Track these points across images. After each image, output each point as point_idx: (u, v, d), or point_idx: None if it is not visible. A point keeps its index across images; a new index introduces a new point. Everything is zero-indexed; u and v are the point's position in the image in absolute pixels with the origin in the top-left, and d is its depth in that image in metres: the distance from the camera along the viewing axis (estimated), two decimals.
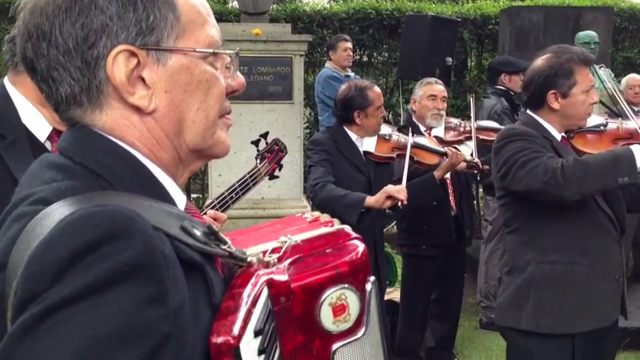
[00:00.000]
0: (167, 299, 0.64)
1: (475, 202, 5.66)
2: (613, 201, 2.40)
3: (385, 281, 3.47)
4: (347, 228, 0.94)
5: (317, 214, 1.05)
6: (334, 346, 0.82)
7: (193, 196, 7.94)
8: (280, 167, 2.54)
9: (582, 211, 2.32)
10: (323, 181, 3.04)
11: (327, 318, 0.80)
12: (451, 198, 3.88)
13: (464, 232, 4.01)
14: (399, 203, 2.86)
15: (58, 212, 0.65)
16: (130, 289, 0.61)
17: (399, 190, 2.85)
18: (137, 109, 0.78)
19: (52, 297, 0.59)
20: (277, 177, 2.59)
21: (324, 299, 0.80)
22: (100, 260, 0.61)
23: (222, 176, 5.30)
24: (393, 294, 4.25)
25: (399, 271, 4.25)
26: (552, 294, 2.33)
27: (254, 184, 2.42)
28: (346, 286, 0.82)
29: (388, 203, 2.90)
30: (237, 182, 2.37)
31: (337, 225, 0.95)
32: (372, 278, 0.87)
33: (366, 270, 0.85)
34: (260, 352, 0.72)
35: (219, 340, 0.68)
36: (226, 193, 2.34)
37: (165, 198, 0.80)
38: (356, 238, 0.91)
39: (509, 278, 2.48)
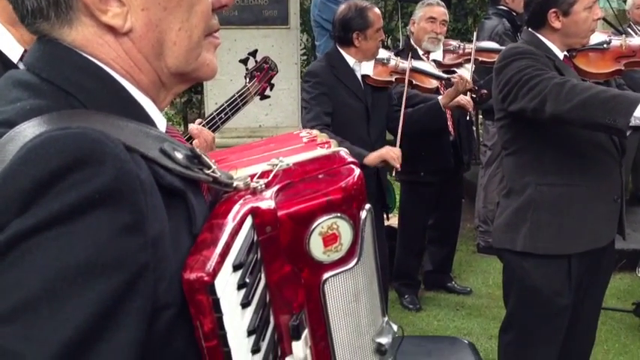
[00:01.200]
0: (145, 227, 0.59)
1: (474, 127, 5.60)
2: None
3: (388, 208, 3.47)
4: (343, 151, 0.88)
5: (315, 132, 0.99)
6: (324, 276, 0.78)
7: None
8: (271, 87, 2.45)
9: (582, 131, 2.27)
10: (318, 125, 2.97)
11: (317, 248, 0.77)
12: (449, 123, 3.82)
13: (462, 157, 3.98)
14: (394, 170, 3.05)
15: (21, 136, 0.59)
16: (102, 218, 0.57)
17: (396, 158, 2.92)
18: (111, 29, 0.71)
19: (15, 227, 0.55)
20: (268, 97, 2.51)
21: (314, 228, 0.76)
22: (67, 189, 0.56)
23: (218, 104, 5.22)
24: (392, 220, 4.27)
25: (398, 198, 4.26)
26: (550, 216, 2.32)
27: (243, 104, 2.35)
28: (338, 214, 0.77)
29: (381, 165, 3.00)
30: (226, 102, 2.31)
31: (334, 147, 0.90)
32: (368, 206, 0.82)
33: (361, 197, 0.80)
34: (240, 287, 0.68)
35: (192, 276, 0.63)
36: (215, 114, 2.28)
37: (144, 119, 0.73)
38: (352, 162, 0.85)
39: (507, 201, 2.46)
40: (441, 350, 2.64)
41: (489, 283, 4.27)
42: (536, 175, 2.34)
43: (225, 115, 2.28)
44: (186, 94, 7.86)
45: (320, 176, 0.80)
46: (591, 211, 2.32)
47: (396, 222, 4.16)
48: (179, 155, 0.69)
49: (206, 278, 0.63)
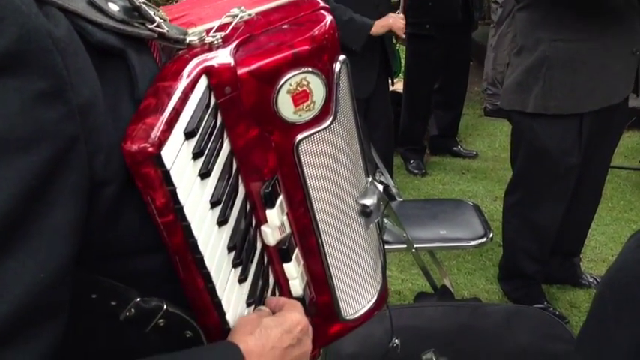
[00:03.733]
0: (66, 94, 0.51)
1: None
2: None
3: (393, 72, 3.35)
4: None
5: None
6: (298, 138, 0.72)
7: None
8: None
9: None
10: None
11: (286, 108, 0.69)
12: None
13: (472, 13, 3.76)
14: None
15: None
16: (9, 86, 0.48)
17: (402, 27, 2.91)
18: None
19: None
20: None
21: (281, 86, 0.68)
22: None
23: None
24: (397, 85, 4.15)
25: (403, 62, 4.10)
26: (564, 74, 2.21)
27: None
28: (308, 69, 0.69)
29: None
30: None
31: None
32: (342, 57, 0.73)
33: (332, 48, 0.71)
34: (196, 156, 0.62)
35: (134, 147, 0.56)
36: None
37: None
38: (322, 7, 0.75)
39: (518, 59, 2.34)
40: (446, 212, 2.65)
41: (495, 146, 4.23)
42: (551, 30, 2.20)
43: None
44: None
45: (285, 26, 0.71)
46: (608, 66, 2.20)
47: (402, 87, 4.04)
48: (113, 7, 0.59)
49: (150, 149, 0.56)
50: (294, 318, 0.70)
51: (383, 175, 2.69)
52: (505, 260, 2.73)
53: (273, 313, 0.74)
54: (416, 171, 3.93)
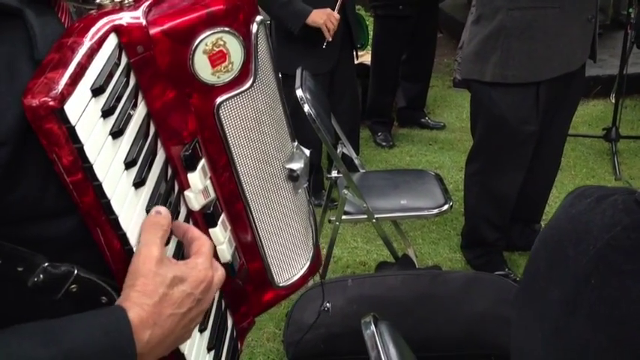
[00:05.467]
0: None
1: None
2: None
3: (357, 43, 3.31)
4: None
5: None
6: (218, 100, 0.71)
7: None
8: None
9: None
10: None
11: (203, 69, 0.68)
12: None
13: None
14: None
15: None
16: None
17: (332, 29, 2.80)
18: None
19: None
20: None
21: (197, 46, 0.66)
22: None
23: None
24: (365, 57, 4.13)
25: (371, 34, 4.07)
26: (521, 43, 2.22)
27: None
28: (224, 29, 0.67)
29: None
30: None
31: None
32: (259, 18, 0.72)
33: (249, 8, 0.70)
34: (106, 113, 0.60)
35: (34, 102, 0.54)
36: None
37: None
38: None
39: (477, 28, 2.34)
40: (407, 182, 2.67)
41: (463, 117, 4.25)
42: None
43: None
44: None
45: None
46: (564, 33, 2.21)
47: (369, 59, 4.02)
48: None
49: (51, 103, 0.55)
50: (199, 275, 0.65)
51: (345, 146, 2.69)
52: (467, 228, 2.77)
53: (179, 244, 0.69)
54: (383, 143, 3.93)
